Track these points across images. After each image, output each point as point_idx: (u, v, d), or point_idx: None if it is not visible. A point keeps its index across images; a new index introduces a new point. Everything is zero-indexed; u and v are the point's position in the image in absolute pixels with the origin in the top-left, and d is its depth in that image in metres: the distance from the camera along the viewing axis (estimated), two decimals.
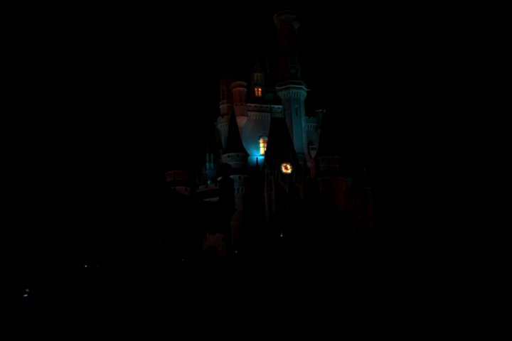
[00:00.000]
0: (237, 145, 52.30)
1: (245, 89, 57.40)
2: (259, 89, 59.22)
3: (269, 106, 58.03)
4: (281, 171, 51.09)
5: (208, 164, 57.24)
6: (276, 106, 58.04)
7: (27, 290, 15.69)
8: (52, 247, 17.92)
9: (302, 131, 58.10)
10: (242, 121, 56.03)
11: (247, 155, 52.78)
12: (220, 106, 59.55)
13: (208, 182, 54.23)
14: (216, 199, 46.41)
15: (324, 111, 59.93)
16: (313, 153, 57.37)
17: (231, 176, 48.54)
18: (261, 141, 57.03)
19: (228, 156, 51.44)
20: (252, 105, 57.94)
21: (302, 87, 58.86)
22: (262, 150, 56.42)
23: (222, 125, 58.53)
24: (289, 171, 51.39)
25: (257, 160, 53.31)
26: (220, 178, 48.62)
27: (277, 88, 58.76)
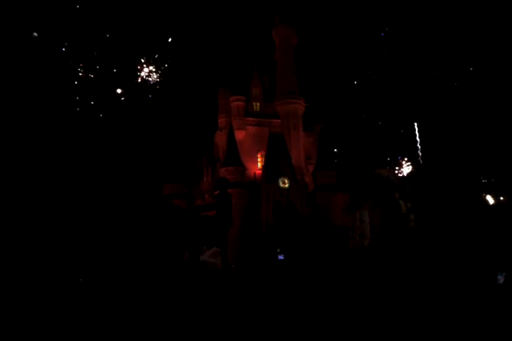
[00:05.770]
0: (234, 159, 52.35)
1: (244, 104, 57.65)
2: (258, 104, 59.47)
3: (267, 120, 58.27)
4: (278, 185, 51.08)
5: (205, 178, 57.26)
6: (275, 121, 58.28)
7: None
8: (43, 259, 17.77)
9: (300, 146, 58.24)
10: (240, 135, 56.17)
11: (245, 169, 52.78)
12: (218, 120, 59.77)
13: (205, 196, 54.13)
14: (213, 213, 46.33)
15: (322, 126, 60.16)
16: (311, 167, 57.44)
17: (228, 190, 48.48)
18: (259, 155, 57.08)
19: (226, 170, 51.43)
20: (250, 119, 58.13)
21: (300, 101, 59.14)
22: (260, 164, 56.46)
23: (220, 139, 58.67)
24: (287, 186, 51.38)
25: (254, 175, 53.29)
26: (217, 192, 48.54)
27: (275, 103, 59.03)
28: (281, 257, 44.85)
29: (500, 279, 20.09)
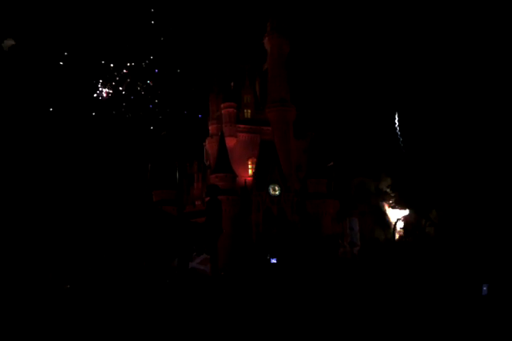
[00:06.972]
0: (225, 166, 52.27)
1: (235, 110, 57.65)
2: (249, 111, 59.50)
3: (258, 127, 58.29)
4: (269, 193, 51.04)
5: (195, 184, 57.06)
6: (266, 128, 58.28)
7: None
8: (29, 265, 17.54)
9: (291, 153, 58.28)
10: (231, 141, 56.12)
11: (236, 176, 52.70)
12: (209, 127, 59.70)
13: (196, 202, 53.93)
14: (203, 219, 46.12)
15: (313, 133, 60.29)
16: (302, 175, 57.48)
17: (219, 197, 48.33)
18: (249, 162, 57.03)
19: (216, 177, 51.32)
20: (242, 126, 58.12)
21: (291, 109, 59.24)
22: (251, 171, 56.41)
23: (211, 145, 58.58)
24: (277, 193, 51.35)
25: (245, 181, 53.21)
26: (207, 199, 48.38)
27: (267, 110, 59.08)
28: (273, 260, 44.66)
29: (485, 290, 20.16)
